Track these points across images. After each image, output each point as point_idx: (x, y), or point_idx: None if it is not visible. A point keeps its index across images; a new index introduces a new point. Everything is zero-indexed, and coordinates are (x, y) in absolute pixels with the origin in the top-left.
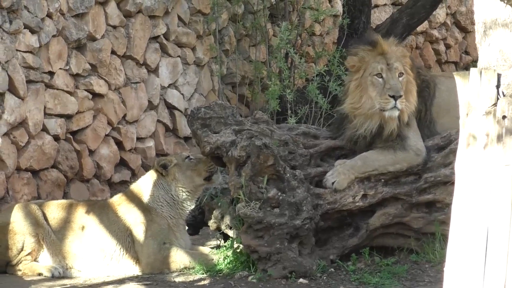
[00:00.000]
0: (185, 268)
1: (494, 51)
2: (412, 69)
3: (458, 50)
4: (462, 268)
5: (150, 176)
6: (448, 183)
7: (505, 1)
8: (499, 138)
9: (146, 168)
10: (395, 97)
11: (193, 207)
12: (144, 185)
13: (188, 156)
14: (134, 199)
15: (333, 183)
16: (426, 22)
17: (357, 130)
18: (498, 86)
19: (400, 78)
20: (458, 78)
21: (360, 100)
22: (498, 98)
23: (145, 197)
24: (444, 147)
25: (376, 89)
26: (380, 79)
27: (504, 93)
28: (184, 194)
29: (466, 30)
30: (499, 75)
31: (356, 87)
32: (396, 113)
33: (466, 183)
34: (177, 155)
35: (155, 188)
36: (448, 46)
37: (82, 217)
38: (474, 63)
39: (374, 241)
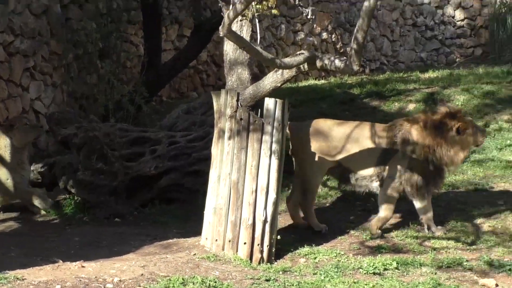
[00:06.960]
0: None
1: (235, 79)
2: None
3: (214, 78)
4: (214, 210)
5: None
6: (207, 159)
7: (242, 49)
8: (238, 132)
9: None
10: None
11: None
12: None
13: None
14: None
15: None
16: (195, 61)
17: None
18: (237, 100)
19: None
20: (214, 95)
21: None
22: (237, 107)
23: None
24: (204, 137)
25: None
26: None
27: (241, 104)
28: None
29: (220, 66)
30: (238, 94)
31: (453, 142)
32: None
33: (218, 159)
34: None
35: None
36: (208, 75)
37: None
38: (223, 86)
39: (162, 196)
